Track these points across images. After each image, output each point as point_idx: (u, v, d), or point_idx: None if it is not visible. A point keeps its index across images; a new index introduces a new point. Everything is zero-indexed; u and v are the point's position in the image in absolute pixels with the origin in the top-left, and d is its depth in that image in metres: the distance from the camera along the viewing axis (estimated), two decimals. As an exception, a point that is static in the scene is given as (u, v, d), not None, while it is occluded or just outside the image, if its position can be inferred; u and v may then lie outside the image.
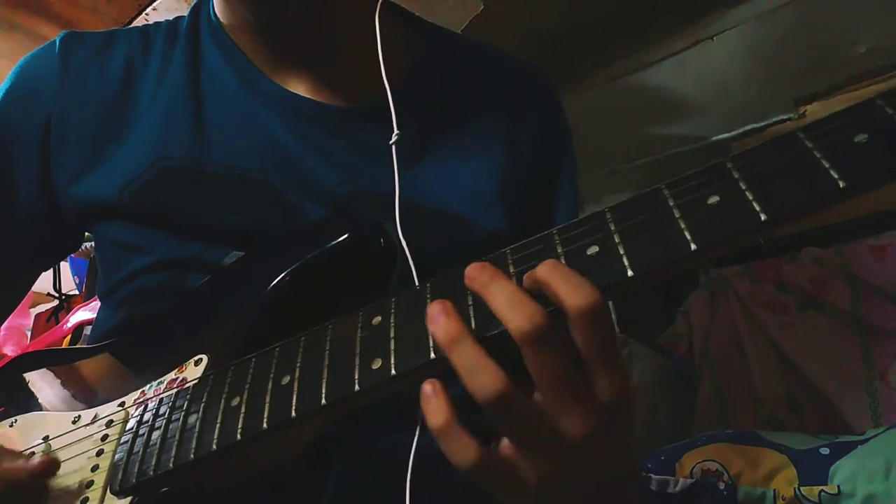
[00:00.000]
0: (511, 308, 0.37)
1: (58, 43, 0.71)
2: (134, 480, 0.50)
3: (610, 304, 0.38)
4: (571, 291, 0.36)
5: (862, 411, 1.47)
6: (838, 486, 0.99)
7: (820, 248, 1.65)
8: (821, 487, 1.00)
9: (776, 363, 1.63)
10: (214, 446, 0.47)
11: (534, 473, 0.40)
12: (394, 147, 0.61)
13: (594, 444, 0.39)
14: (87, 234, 0.75)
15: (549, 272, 0.38)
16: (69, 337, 1.74)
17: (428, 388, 0.39)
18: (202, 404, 0.50)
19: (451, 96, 0.72)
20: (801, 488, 1.02)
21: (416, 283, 0.46)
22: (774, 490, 1.05)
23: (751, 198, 0.34)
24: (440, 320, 0.39)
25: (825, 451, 1.08)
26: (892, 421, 1.36)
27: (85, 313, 1.73)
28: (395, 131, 0.62)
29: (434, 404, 0.39)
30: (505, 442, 0.40)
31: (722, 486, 1.08)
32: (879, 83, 1.71)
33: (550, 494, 0.41)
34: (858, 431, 1.20)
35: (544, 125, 0.76)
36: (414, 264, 0.54)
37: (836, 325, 1.57)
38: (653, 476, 1.13)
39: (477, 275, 0.40)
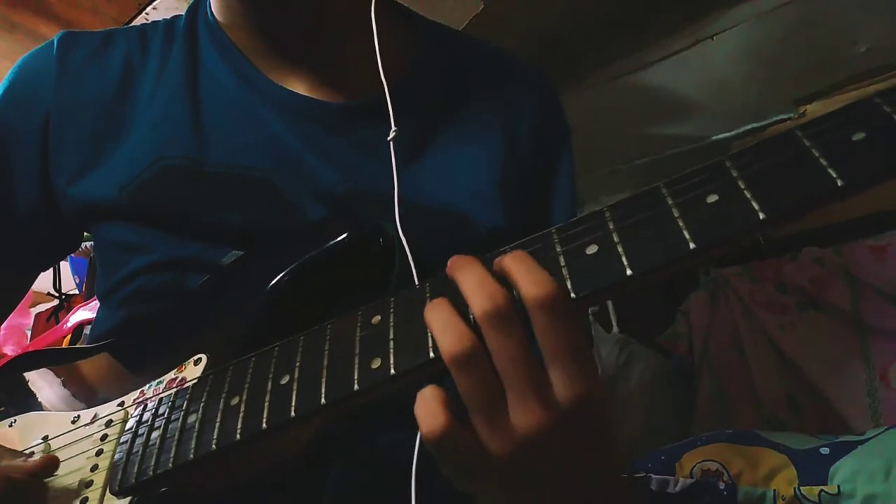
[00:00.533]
0: (475, 288, 0.38)
1: (55, 43, 0.71)
2: (133, 480, 0.50)
3: (610, 303, 0.38)
4: (528, 281, 0.37)
5: (862, 411, 1.47)
6: (838, 486, 0.99)
7: (820, 248, 1.65)
8: (821, 487, 1.00)
9: (776, 363, 1.62)
10: (214, 446, 0.46)
11: (497, 460, 0.39)
12: (392, 143, 0.61)
13: (552, 442, 0.38)
14: (86, 233, 0.75)
15: (511, 262, 0.38)
16: (69, 337, 1.74)
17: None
18: (201, 404, 0.50)
19: (451, 94, 0.73)
20: (801, 488, 1.02)
21: (416, 282, 0.46)
22: (774, 490, 1.04)
23: (749, 196, 0.34)
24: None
25: (825, 451, 1.08)
26: (892, 421, 1.36)
27: (85, 313, 1.73)
28: (393, 128, 0.62)
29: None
30: (471, 415, 0.40)
31: (722, 486, 1.08)
32: (879, 83, 1.71)
33: (515, 488, 0.41)
34: (858, 431, 1.20)
35: (544, 123, 0.76)
36: (413, 262, 0.54)
37: (836, 325, 1.57)
38: (653, 476, 1.13)
39: (453, 262, 0.41)
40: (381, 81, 0.65)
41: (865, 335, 1.53)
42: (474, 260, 0.40)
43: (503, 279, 0.39)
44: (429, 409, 0.39)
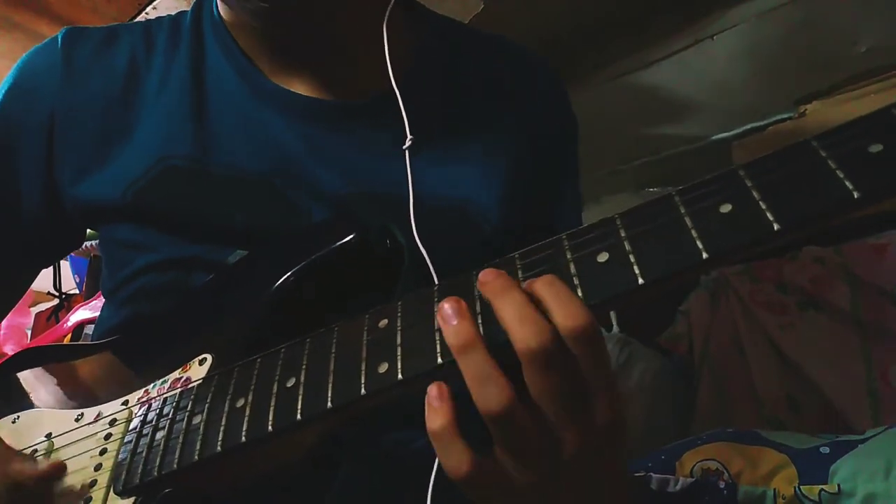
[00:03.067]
0: (519, 323, 0.37)
1: (60, 39, 0.71)
2: (138, 481, 0.50)
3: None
4: (563, 311, 0.36)
5: (862, 411, 1.46)
6: (838, 486, 0.99)
7: (820, 247, 1.65)
8: (821, 486, 1.00)
9: (776, 363, 1.62)
10: (219, 448, 0.47)
11: (525, 488, 0.39)
12: (407, 152, 0.61)
13: (587, 462, 0.39)
14: (88, 232, 0.75)
15: (544, 288, 0.37)
16: (69, 336, 1.74)
17: (434, 390, 0.39)
18: (206, 405, 0.50)
19: (454, 87, 0.72)
20: (802, 487, 1.02)
21: (436, 284, 0.45)
22: (775, 489, 1.04)
23: (764, 207, 0.34)
24: (453, 322, 0.38)
25: (825, 450, 1.08)
26: (892, 421, 1.36)
27: (85, 312, 1.73)
28: (409, 136, 0.62)
29: (437, 407, 0.38)
30: (499, 453, 0.39)
31: (722, 485, 1.08)
32: (879, 83, 1.71)
33: None
34: (858, 431, 1.20)
35: (550, 116, 0.76)
36: (420, 262, 0.54)
37: (836, 325, 1.56)
38: (653, 475, 1.13)
39: (491, 280, 0.39)
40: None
41: (865, 335, 1.52)
42: (512, 285, 0.39)
43: (538, 304, 0.38)
44: (453, 451, 0.38)
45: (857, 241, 1.60)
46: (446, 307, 0.39)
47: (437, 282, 0.50)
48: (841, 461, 1.03)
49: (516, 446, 0.38)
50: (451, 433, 0.38)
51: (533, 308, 0.37)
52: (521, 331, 0.37)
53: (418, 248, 0.56)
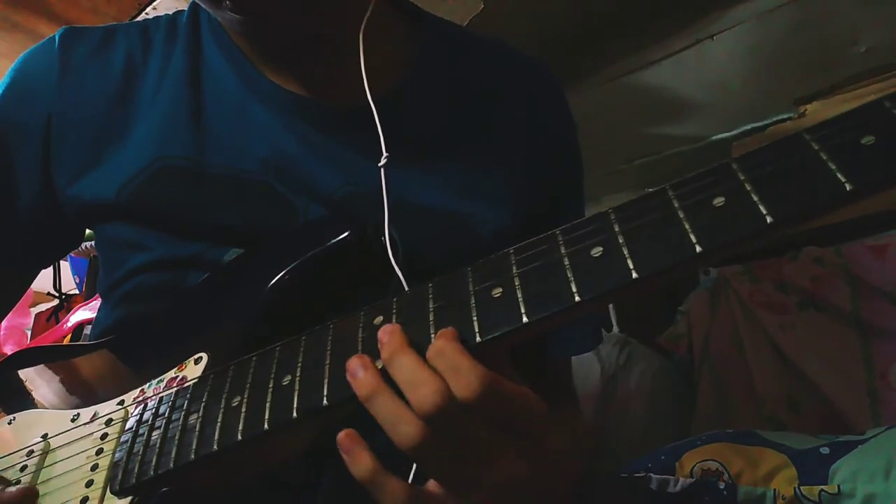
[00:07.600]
0: (412, 387, 0.38)
1: (57, 39, 0.70)
2: (134, 480, 0.50)
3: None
4: (454, 380, 0.38)
5: (862, 411, 1.46)
6: (838, 486, 0.98)
7: (820, 248, 1.65)
8: (821, 487, 1.00)
9: (776, 363, 1.62)
10: (215, 447, 0.47)
11: None
12: (382, 170, 0.61)
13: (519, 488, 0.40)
14: (87, 233, 0.75)
15: (437, 356, 0.39)
16: (69, 336, 1.74)
17: (343, 439, 0.40)
18: (202, 404, 0.50)
19: (454, 92, 0.72)
20: (801, 488, 1.02)
21: (406, 289, 0.46)
22: (774, 490, 1.04)
23: (756, 200, 0.34)
24: (358, 375, 0.40)
25: (825, 450, 1.08)
26: (892, 421, 1.35)
27: (85, 313, 1.73)
28: (384, 154, 0.61)
29: (353, 454, 0.40)
30: (432, 482, 0.41)
31: (722, 485, 1.07)
32: (879, 83, 1.71)
33: None
34: (858, 431, 1.20)
35: (549, 120, 0.76)
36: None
37: (836, 325, 1.56)
38: (653, 476, 1.12)
39: (385, 342, 0.41)
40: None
41: (865, 335, 1.52)
42: (400, 346, 0.40)
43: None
44: (388, 488, 0.40)
45: (858, 241, 1.60)
46: (352, 364, 0.41)
47: (405, 287, 0.50)
48: (841, 461, 1.03)
49: (439, 473, 0.40)
50: (379, 473, 0.40)
51: (424, 369, 0.39)
52: (415, 395, 0.38)
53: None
